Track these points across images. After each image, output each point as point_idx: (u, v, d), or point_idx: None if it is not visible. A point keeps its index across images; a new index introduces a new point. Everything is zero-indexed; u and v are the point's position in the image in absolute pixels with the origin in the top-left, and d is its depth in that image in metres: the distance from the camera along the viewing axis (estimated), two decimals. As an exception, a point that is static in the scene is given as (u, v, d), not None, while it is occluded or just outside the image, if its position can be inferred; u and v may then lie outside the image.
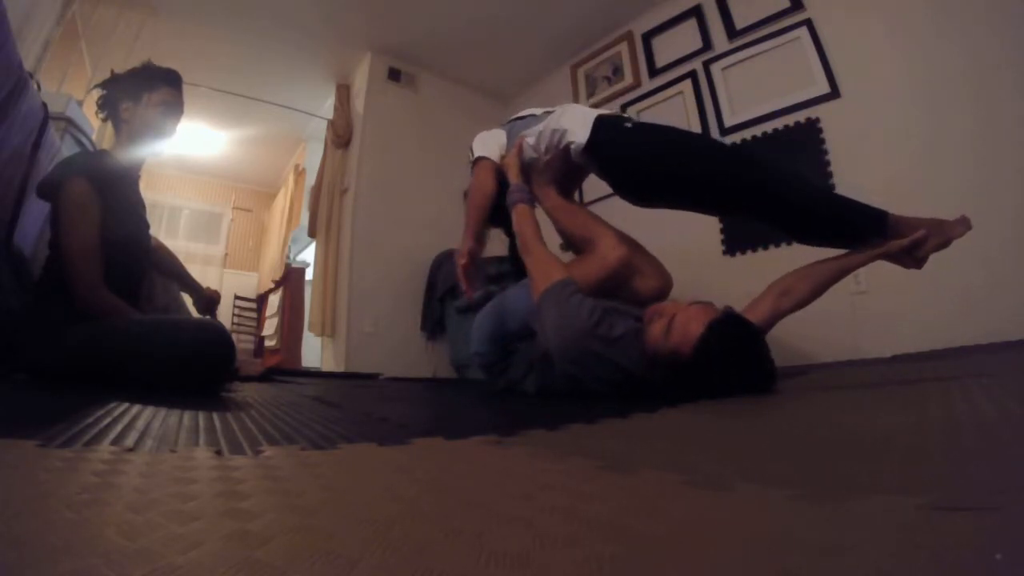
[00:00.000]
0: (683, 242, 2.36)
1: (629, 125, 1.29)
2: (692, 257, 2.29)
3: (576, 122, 1.30)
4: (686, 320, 0.97)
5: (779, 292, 1.14)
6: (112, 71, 1.30)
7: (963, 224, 1.06)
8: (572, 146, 1.30)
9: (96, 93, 1.29)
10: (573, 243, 1.36)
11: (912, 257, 1.09)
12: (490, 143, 1.49)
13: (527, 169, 1.41)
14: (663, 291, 1.30)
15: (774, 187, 1.13)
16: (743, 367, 0.95)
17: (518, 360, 1.28)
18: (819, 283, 1.13)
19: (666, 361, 0.99)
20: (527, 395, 1.23)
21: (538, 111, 1.49)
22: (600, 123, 1.27)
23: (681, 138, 1.29)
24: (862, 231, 1.11)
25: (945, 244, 1.07)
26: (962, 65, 1.69)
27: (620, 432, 0.64)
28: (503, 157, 1.46)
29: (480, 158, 1.46)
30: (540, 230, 1.27)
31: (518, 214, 1.29)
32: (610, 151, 1.27)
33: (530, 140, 1.40)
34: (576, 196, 2.79)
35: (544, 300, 1.11)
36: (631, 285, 1.26)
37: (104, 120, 1.32)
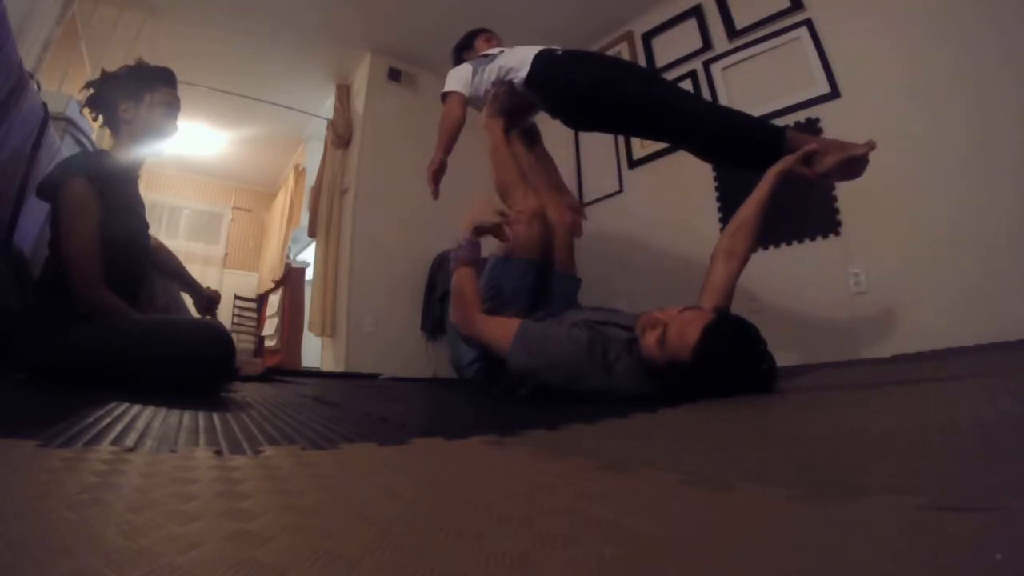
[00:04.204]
0: (683, 242, 2.36)
1: (559, 52, 1.50)
2: (692, 257, 2.28)
3: (519, 60, 1.54)
4: (681, 328, 0.96)
5: (725, 255, 1.20)
6: (103, 70, 1.28)
7: (866, 145, 1.15)
8: (516, 81, 1.53)
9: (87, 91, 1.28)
10: (497, 189, 1.56)
11: (815, 173, 1.19)
12: (454, 79, 1.71)
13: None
14: (573, 211, 1.57)
15: (682, 103, 1.33)
16: (743, 365, 0.94)
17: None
18: (751, 229, 1.21)
19: (665, 370, 0.99)
20: (525, 397, 1.22)
21: (495, 51, 1.70)
22: (537, 58, 1.50)
23: (604, 67, 1.49)
24: (765, 146, 1.23)
25: (853, 166, 1.17)
26: (961, 65, 1.69)
27: (620, 432, 0.64)
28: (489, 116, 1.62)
29: (449, 92, 1.70)
30: (478, 290, 1.30)
31: (459, 276, 1.28)
32: (544, 83, 1.49)
33: (486, 76, 1.62)
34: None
35: (520, 348, 1.13)
36: (551, 226, 1.47)
37: (95, 119, 1.31)
